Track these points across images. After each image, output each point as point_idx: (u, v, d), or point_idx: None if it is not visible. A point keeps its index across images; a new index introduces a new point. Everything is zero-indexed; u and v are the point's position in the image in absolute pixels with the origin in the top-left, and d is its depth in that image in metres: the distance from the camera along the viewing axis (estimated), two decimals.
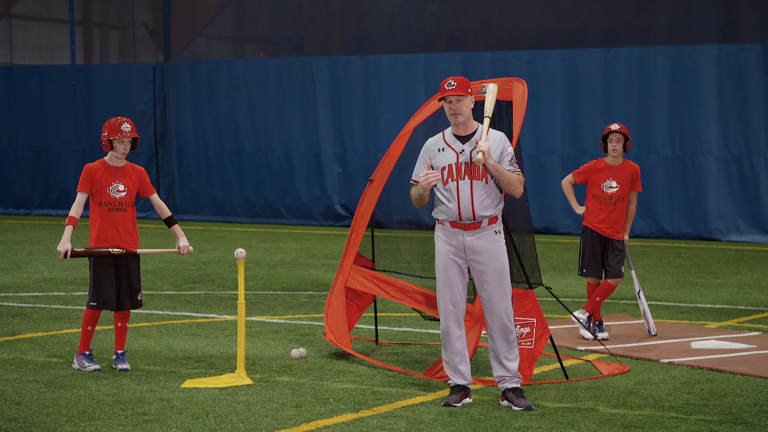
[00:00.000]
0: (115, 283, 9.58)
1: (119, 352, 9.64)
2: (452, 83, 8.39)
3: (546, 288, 9.75)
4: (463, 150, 8.42)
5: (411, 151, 9.80)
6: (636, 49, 22.55)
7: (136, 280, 9.69)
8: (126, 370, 9.52)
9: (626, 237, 11.47)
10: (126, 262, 9.61)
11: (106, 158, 9.68)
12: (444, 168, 8.42)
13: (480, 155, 8.22)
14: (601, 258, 11.46)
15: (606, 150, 11.45)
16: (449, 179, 8.40)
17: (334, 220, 25.10)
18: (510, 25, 24.63)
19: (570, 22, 24.16)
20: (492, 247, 8.44)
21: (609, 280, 11.39)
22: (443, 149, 8.46)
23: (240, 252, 9.22)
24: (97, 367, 9.50)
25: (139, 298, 9.70)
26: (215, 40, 29.02)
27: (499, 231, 8.49)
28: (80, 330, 9.69)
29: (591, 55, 22.76)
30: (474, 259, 8.43)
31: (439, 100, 8.53)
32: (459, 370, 8.52)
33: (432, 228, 8.63)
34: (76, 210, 9.51)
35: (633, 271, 11.79)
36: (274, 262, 17.94)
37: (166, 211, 9.84)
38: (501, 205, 8.49)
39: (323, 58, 25.27)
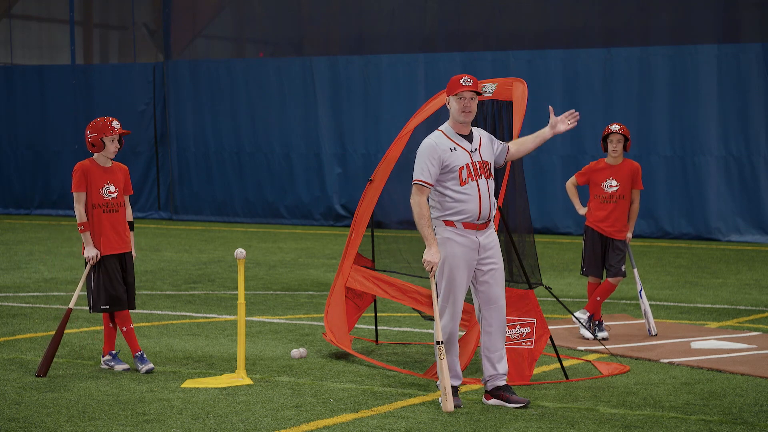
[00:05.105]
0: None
1: (115, 353, 9.64)
2: (468, 80, 8.36)
3: (546, 288, 9.75)
4: (474, 150, 8.43)
5: (411, 151, 9.79)
6: (636, 49, 22.55)
7: (134, 280, 9.68)
8: (127, 369, 9.51)
9: (629, 235, 11.46)
10: (125, 263, 9.59)
11: (93, 158, 9.55)
12: (462, 168, 8.37)
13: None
14: (602, 258, 11.46)
15: (606, 150, 11.47)
16: (468, 179, 8.38)
17: (334, 220, 25.10)
18: (510, 25, 24.63)
19: (570, 22, 24.16)
20: (497, 243, 8.52)
21: (609, 279, 11.40)
22: (455, 149, 8.40)
23: (240, 252, 9.21)
24: (125, 366, 9.51)
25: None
26: (215, 40, 29.02)
27: (493, 227, 8.60)
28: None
29: (591, 55, 22.76)
30: (486, 257, 8.43)
31: (453, 95, 8.38)
32: (458, 371, 8.54)
33: None
34: (83, 213, 9.40)
35: (635, 270, 11.80)
36: (274, 262, 17.94)
37: (129, 215, 9.71)
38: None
39: (323, 58, 25.27)
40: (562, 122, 8.76)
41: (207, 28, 28.42)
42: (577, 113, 8.81)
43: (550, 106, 8.92)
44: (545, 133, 8.76)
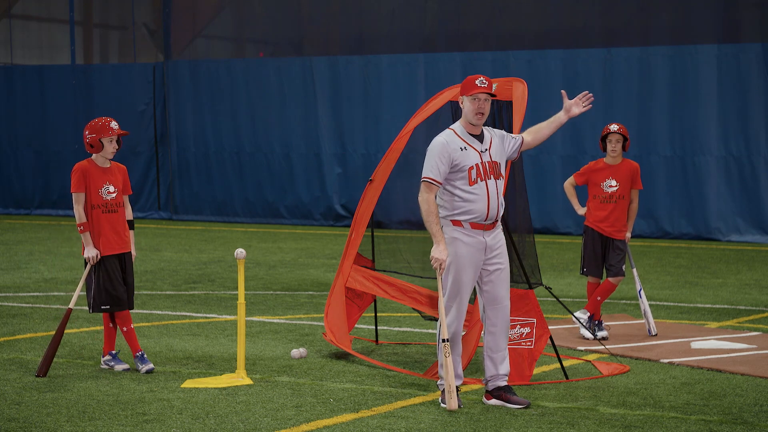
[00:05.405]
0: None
1: (115, 353, 9.64)
2: (484, 81, 8.34)
3: (546, 288, 9.75)
4: (484, 150, 8.41)
5: (411, 151, 9.80)
6: (636, 49, 22.54)
7: (133, 280, 9.69)
8: (127, 369, 9.52)
9: (628, 235, 11.48)
10: (125, 264, 9.59)
11: (92, 159, 9.53)
12: (472, 168, 8.35)
13: None
14: (601, 258, 11.47)
15: (605, 150, 11.47)
16: (478, 179, 8.36)
17: (334, 220, 25.10)
18: (510, 25, 24.63)
19: (570, 22, 24.16)
20: (503, 244, 8.51)
21: (610, 279, 11.40)
22: (465, 148, 8.38)
23: (240, 252, 9.21)
24: (125, 366, 9.51)
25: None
26: (215, 40, 29.02)
27: (500, 227, 8.57)
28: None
29: (591, 55, 22.76)
30: (492, 258, 8.42)
31: (467, 95, 8.37)
32: (460, 371, 8.55)
33: None
34: (83, 214, 9.39)
35: (635, 270, 11.80)
36: (274, 262, 17.94)
37: (130, 214, 9.72)
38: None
39: (323, 58, 25.27)
40: (576, 105, 8.81)
41: (207, 28, 28.43)
42: (591, 95, 8.83)
43: (562, 91, 8.96)
44: (560, 117, 8.80)
